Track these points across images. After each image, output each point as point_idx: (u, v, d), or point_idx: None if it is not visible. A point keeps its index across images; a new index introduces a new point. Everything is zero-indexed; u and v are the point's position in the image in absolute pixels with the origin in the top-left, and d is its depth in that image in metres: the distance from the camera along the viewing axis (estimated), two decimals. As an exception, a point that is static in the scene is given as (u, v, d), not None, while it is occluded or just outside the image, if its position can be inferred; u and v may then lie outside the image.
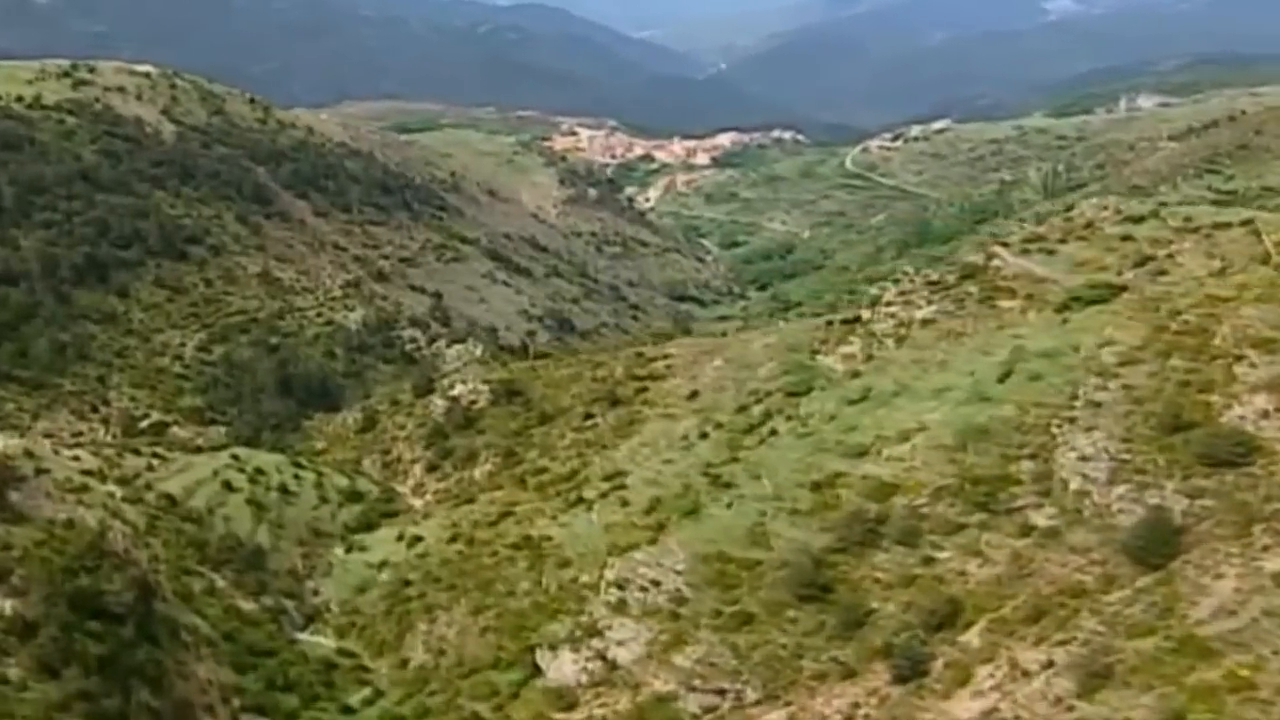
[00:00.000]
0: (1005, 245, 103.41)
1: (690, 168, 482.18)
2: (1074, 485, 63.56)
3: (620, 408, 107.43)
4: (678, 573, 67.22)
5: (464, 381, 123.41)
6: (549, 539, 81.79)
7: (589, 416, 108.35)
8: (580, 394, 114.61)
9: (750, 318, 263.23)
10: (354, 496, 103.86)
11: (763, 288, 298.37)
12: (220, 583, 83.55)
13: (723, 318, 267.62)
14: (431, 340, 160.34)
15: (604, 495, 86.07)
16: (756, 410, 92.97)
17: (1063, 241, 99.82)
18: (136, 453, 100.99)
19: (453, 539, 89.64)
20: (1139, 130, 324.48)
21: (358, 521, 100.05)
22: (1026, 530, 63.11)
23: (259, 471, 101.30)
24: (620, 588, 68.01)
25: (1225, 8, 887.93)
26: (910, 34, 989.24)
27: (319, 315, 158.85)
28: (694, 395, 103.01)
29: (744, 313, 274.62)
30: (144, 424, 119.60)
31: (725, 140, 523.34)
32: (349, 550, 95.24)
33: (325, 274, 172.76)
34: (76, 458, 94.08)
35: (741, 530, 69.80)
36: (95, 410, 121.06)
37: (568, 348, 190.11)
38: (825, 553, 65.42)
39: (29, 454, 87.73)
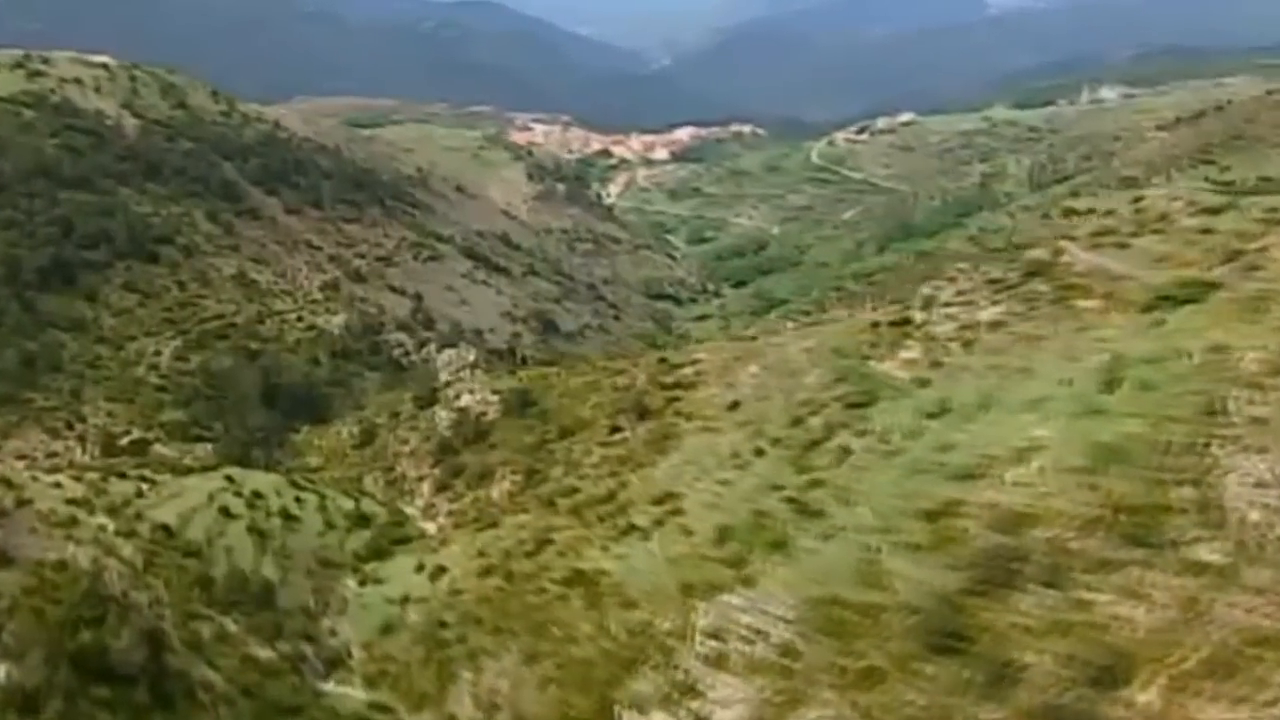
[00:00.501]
0: (1072, 239, 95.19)
1: (649, 163, 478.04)
2: (1247, 515, 55.08)
3: (650, 420, 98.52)
4: (785, 620, 58.33)
5: (470, 391, 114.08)
6: (605, 574, 72.62)
7: (616, 430, 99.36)
8: (602, 404, 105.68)
9: (730, 316, 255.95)
10: (361, 521, 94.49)
11: (737, 285, 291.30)
12: (231, 627, 73.96)
13: (701, 316, 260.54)
14: (420, 345, 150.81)
15: (659, 522, 77.05)
16: (815, 423, 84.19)
17: (1135, 235, 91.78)
18: (123, 476, 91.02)
19: (487, 572, 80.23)
20: (1116, 121, 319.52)
21: (368, 549, 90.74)
22: (1194, 568, 54.40)
23: (257, 495, 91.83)
24: (717, 638, 59.01)
25: (1165, 1, 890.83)
26: (852, 29, 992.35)
27: (299, 319, 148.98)
28: (735, 406, 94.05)
29: (722, 311, 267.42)
30: (124, 441, 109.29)
31: (684, 135, 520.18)
32: (363, 583, 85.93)
33: (302, 275, 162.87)
34: (59, 484, 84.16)
35: (849, 568, 60.96)
36: (70, 427, 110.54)
37: (554, 350, 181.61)
38: (957, 595, 56.79)
39: (7, 482, 78.24)
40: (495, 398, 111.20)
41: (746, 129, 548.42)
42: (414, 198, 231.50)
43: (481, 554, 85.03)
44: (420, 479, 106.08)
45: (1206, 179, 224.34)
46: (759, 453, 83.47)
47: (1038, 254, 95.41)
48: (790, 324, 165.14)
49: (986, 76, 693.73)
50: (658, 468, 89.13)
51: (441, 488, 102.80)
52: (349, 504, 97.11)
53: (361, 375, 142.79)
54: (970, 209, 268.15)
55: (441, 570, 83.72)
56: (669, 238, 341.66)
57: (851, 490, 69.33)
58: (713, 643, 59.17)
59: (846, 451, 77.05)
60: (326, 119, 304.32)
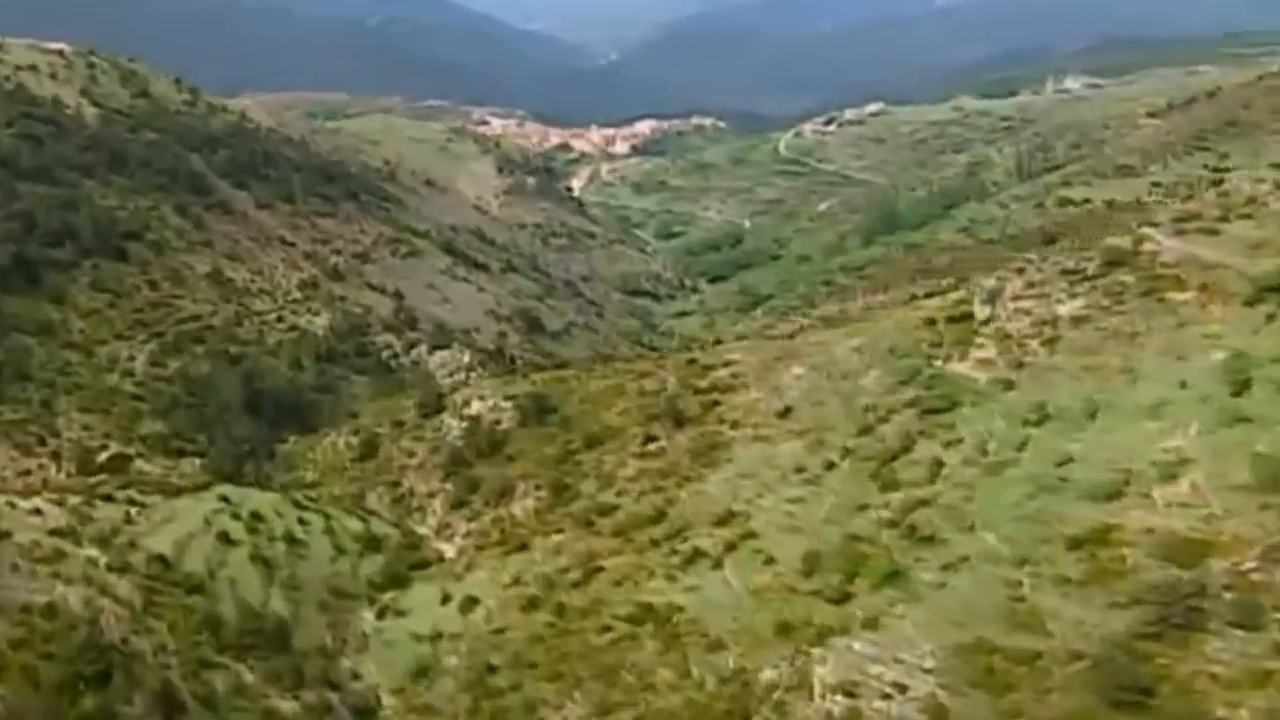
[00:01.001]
0: (1154, 225, 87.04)
1: (610, 156, 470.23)
2: None
3: (689, 428, 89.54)
4: (925, 670, 49.65)
5: (481, 397, 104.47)
6: (678, 609, 63.60)
7: (650, 439, 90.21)
8: (630, 411, 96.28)
9: (714, 312, 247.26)
10: (372, 544, 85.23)
11: (714, 280, 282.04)
12: (247, 676, 64.51)
13: (682, 313, 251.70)
14: (410, 346, 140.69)
15: (730, 547, 68.25)
16: (887, 432, 75.85)
17: (1224, 220, 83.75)
18: (109, 499, 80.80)
19: (531, 605, 71.04)
20: (1101, 110, 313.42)
21: (383, 576, 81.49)
22: None
23: (256, 517, 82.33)
24: (846, 692, 50.18)
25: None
26: (798, 22, 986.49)
27: (280, 320, 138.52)
28: (787, 412, 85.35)
29: (703, 306, 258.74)
30: (102, 458, 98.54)
31: (644, 128, 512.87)
32: (381, 615, 76.81)
33: (279, 273, 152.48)
34: (38, 511, 74.10)
35: (991, 607, 52.45)
36: (43, 443, 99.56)
37: (541, 350, 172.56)
38: (1129, 639, 48.35)
39: (-18, 512, 68.79)
40: (509, 404, 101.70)
41: (707, 122, 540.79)
42: (385, 192, 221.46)
43: (518, 582, 75.90)
44: (431, 495, 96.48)
45: (1205, 166, 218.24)
46: (829, 466, 74.82)
47: (1117, 242, 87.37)
48: (804, 319, 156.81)
49: (938, 69, 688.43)
50: (708, 482, 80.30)
51: (456, 504, 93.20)
52: (357, 525, 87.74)
53: (349, 379, 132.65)
54: (957, 199, 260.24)
55: (473, 602, 74.53)
56: (637, 232, 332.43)
57: (963, 511, 60.73)
58: (840, 698, 50.31)
59: (938, 465, 68.52)
60: (287, 112, 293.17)
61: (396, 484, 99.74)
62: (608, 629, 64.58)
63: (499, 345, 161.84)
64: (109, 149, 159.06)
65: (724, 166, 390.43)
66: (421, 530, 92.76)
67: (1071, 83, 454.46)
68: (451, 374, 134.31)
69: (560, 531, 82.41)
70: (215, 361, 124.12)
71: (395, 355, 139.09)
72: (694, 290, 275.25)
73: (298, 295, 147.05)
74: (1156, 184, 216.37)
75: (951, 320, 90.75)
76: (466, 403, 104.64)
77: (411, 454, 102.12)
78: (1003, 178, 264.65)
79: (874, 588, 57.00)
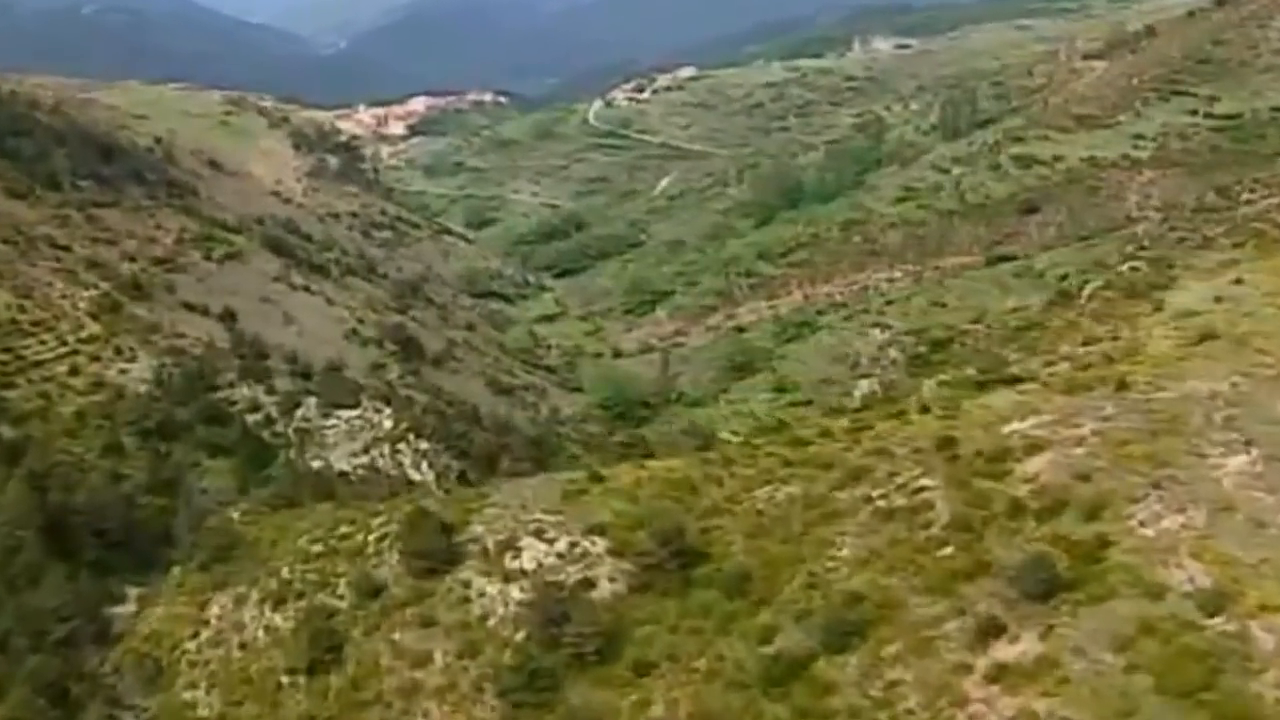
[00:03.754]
0: None
1: (384, 138, 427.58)
2: None
3: (1076, 604, 42.46)
4: None
5: (539, 531, 54.21)
6: None
7: (994, 629, 42.53)
8: (882, 557, 48.10)
9: (594, 315, 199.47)
10: None
11: (562, 274, 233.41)
12: None
13: (547, 316, 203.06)
14: (292, 404, 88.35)
15: None
16: None
17: None
18: None
19: None
20: (967, 61, 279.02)
21: None
22: None
23: None
24: None
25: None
26: (528, 4, 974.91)
27: (74, 373, 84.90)
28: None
29: (561, 307, 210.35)
30: None
31: (419, 105, 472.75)
32: None
33: (56, 293, 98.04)
34: None
35: None
36: None
37: (428, 384, 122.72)
38: None
39: None
40: (601, 544, 52.10)
41: (487, 97, 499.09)
42: (169, 175, 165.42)
43: None
44: (487, 756, 46.63)
45: (1195, 112, 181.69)
46: None
47: None
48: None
49: (687, 43, 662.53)
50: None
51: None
52: None
53: (201, 465, 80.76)
54: (866, 166, 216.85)
55: None
56: (441, 221, 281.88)
57: None
58: None
59: None
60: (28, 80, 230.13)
61: (404, 726, 49.16)
62: None
63: (386, 383, 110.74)
64: None
65: (528, 143, 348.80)
66: None
67: (881, 44, 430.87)
68: (367, 449, 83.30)
69: None
70: (-23, 459, 70.36)
71: (268, 420, 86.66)
72: (542, 288, 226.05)
73: (94, 328, 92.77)
74: (1139, 135, 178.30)
75: None
76: (509, 545, 53.92)
77: (421, 661, 51.24)
78: (918, 137, 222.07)
79: None
